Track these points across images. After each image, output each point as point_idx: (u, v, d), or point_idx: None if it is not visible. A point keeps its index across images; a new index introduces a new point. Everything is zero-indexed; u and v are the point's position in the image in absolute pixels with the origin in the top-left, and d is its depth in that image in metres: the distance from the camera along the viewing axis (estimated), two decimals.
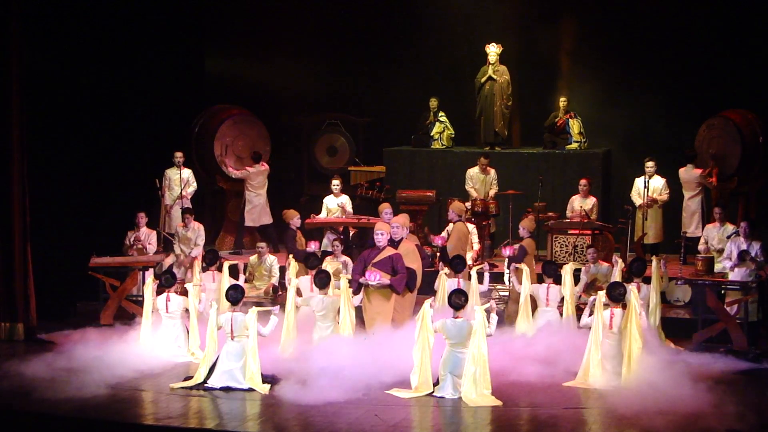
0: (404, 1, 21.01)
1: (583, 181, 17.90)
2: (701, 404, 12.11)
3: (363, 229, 17.35)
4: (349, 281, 14.24)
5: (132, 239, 17.06)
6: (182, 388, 12.85)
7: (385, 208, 15.98)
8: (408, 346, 12.92)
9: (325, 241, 17.60)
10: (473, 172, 18.73)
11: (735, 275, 15.22)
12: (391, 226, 14.63)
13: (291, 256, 15.77)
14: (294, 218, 16.54)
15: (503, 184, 18.67)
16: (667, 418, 11.71)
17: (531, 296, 15.01)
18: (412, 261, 14.39)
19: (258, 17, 21.27)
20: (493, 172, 18.69)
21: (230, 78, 21.49)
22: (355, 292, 14.21)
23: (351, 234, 17.68)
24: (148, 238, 17.12)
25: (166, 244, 17.75)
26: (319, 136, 21.35)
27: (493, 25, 20.50)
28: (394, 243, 14.45)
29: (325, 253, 16.35)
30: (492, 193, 18.51)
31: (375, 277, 14.00)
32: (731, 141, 18.30)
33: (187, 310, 14.55)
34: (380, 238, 14.38)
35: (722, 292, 15.22)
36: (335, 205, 18.18)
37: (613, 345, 13.02)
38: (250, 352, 12.87)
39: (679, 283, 15.90)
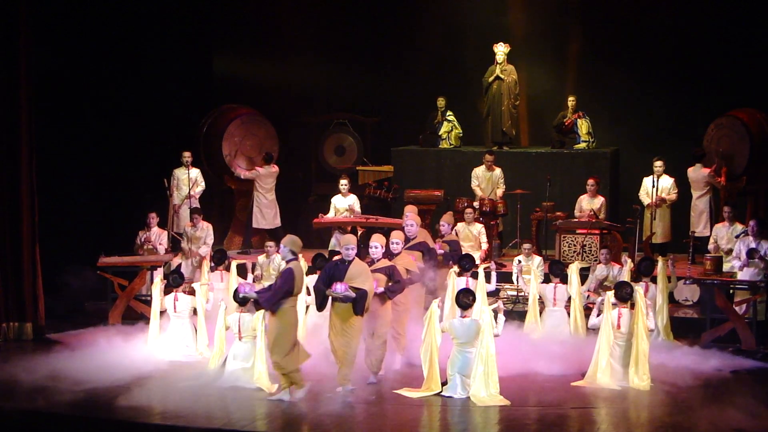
0: (412, 0, 21.03)
1: (590, 181, 17.88)
2: (709, 404, 12.10)
3: (371, 229, 17.34)
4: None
5: (143, 239, 17.10)
6: (190, 387, 12.85)
7: (408, 213, 14.97)
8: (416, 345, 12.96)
9: (333, 240, 17.61)
10: (479, 170, 18.72)
11: (744, 275, 15.21)
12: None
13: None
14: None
15: (511, 183, 18.65)
16: (675, 418, 11.70)
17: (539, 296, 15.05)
18: (363, 281, 12.61)
19: (266, 17, 21.29)
20: (498, 170, 18.66)
21: (238, 78, 21.49)
22: (320, 308, 12.79)
23: (359, 234, 17.67)
24: (159, 238, 17.15)
25: (173, 244, 17.78)
26: (327, 136, 21.36)
27: (501, 25, 20.51)
28: (345, 262, 12.70)
29: (333, 253, 16.33)
30: (500, 192, 18.49)
31: (337, 288, 12.39)
32: (739, 140, 18.29)
33: (195, 310, 14.56)
34: (375, 251, 13.30)
35: (731, 291, 15.21)
36: (343, 204, 18.18)
37: (622, 345, 13.01)
38: (258, 353, 12.87)
39: (687, 282, 15.88)
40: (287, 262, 12.47)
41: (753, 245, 15.25)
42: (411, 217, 14.70)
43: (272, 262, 16.86)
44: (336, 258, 13.40)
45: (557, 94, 20.27)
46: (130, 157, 18.36)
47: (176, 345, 14.43)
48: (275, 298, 12.20)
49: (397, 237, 14.00)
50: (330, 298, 12.60)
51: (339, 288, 12.41)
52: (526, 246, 16.57)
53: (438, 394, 12.52)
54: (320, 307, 12.75)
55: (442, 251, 14.92)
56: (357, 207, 18.24)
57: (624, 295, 13.08)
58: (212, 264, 15.98)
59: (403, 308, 13.46)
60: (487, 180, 18.65)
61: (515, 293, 16.39)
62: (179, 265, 16.73)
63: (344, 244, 12.78)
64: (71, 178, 17.40)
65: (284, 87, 21.45)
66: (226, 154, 19.95)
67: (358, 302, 12.46)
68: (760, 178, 18.39)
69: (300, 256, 12.75)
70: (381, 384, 12.86)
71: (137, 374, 13.31)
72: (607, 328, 13.04)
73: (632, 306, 13.05)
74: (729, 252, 15.97)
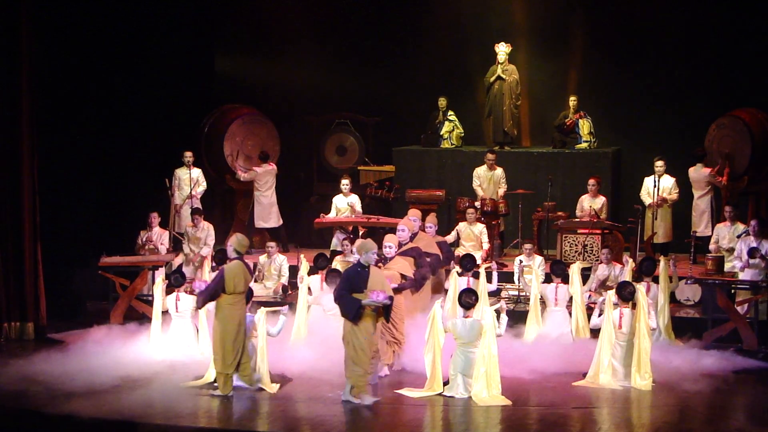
0: (413, 0, 21.03)
1: (591, 181, 17.85)
2: (711, 404, 12.11)
3: (372, 229, 17.35)
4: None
5: (144, 239, 17.11)
6: (192, 387, 12.86)
7: (411, 217, 14.84)
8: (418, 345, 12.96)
9: (334, 240, 17.62)
10: (481, 170, 18.70)
11: (745, 274, 15.21)
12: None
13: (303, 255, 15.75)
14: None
15: (513, 183, 18.64)
16: (676, 418, 11.70)
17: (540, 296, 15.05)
18: (386, 287, 12.44)
19: (267, 17, 21.27)
20: (500, 170, 18.64)
21: (240, 78, 21.49)
22: (356, 319, 12.15)
23: (360, 233, 17.67)
24: (161, 238, 17.17)
25: (175, 244, 17.79)
26: (328, 136, 21.34)
27: (503, 25, 20.50)
28: (365, 267, 12.35)
29: (335, 253, 16.35)
30: (501, 192, 18.46)
31: (379, 296, 12.10)
32: (741, 140, 18.27)
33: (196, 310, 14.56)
34: (389, 251, 13.65)
35: (732, 291, 15.21)
36: (345, 204, 18.18)
37: (623, 345, 13.01)
38: (259, 352, 12.87)
39: (688, 282, 15.88)
40: (229, 260, 12.64)
41: (754, 245, 15.25)
42: (404, 221, 14.55)
43: (273, 262, 16.88)
44: (352, 264, 13.21)
45: (559, 94, 20.27)
46: (132, 157, 18.35)
47: (178, 345, 14.43)
48: (202, 296, 12.68)
49: (390, 241, 13.93)
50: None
51: (380, 296, 12.07)
52: (528, 246, 16.56)
53: (439, 394, 12.52)
54: (356, 318, 12.11)
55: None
56: (358, 207, 18.26)
57: (626, 294, 13.09)
58: (214, 264, 15.97)
59: (399, 312, 13.37)
60: (488, 180, 18.62)
61: (516, 293, 16.37)
62: (180, 265, 16.74)
63: (368, 249, 12.37)
64: (73, 178, 17.40)
65: (285, 87, 21.45)
66: (228, 155, 19.96)
67: (388, 308, 12.32)
68: (762, 178, 18.38)
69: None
70: (382, 384, 12.86)
71: (138, 374, 13.33)
72: (609, 327, 13.05)
73: (634, 306, 13.05)
74: (730, 252, 15.97)
